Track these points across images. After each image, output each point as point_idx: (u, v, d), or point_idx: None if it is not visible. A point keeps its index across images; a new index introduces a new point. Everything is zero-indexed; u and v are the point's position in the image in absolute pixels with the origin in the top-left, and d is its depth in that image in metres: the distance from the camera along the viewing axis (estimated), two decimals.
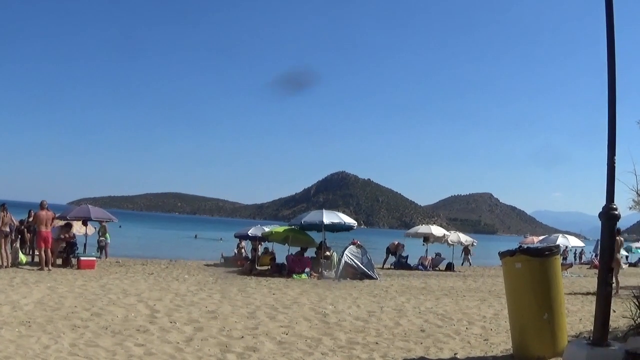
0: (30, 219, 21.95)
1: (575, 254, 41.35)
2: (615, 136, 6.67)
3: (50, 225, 18.18)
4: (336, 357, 7.98)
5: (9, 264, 17.98)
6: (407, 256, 31.34)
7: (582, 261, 41.92)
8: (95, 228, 24.97)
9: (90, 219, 21.79)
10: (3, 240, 18.27)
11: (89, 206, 22.41)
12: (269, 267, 23.00)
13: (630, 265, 41.86)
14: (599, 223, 6.70)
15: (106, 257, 23.61)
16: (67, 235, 19.95)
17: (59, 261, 18.40)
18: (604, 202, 6.70)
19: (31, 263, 18.50)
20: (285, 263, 21.65)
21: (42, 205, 18.00)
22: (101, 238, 24.61)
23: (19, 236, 20.70)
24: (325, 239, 21.99)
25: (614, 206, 6.66)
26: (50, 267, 17.42)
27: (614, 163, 6.66)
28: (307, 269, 20.65)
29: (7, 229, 18.45)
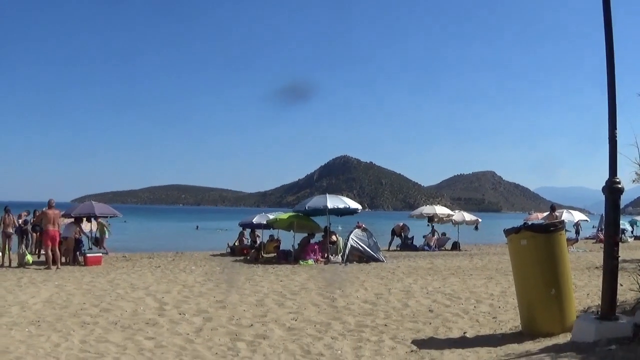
0: (35, 219, 22.00)
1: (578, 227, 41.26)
2: (616, 109, 6.63)
3: (58, 223, 18.20)
4: (346, 340, 8.01)
5: (10, 264, 18.05)
6: (413, 237, 31.35)
7: (587, 236, 41.85)
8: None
9: (94, 216, 21.78)
10: (7, 241, 18.46)
11: (93, 202, 22.36)
12: (275, 254, 23.03)
13: (636, 238, 41.80)
14: (602, 197, 6.68)
15: (100, 248, 23.53)
16: (77, 232, 19.97)
17: (63, 259, 18.37)
18: (607, 176, 6.68)
19: (38, 262, 18.50)
20: (292, 250, 21.67)
21: (49, 204, 18.02)
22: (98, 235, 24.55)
23: (24, 236, 20.73)
24: (330, 224, 21.98)
25: (617, 180, 6.63)
26: (59, 265, 17.45)
27: (616, 136, 6.62)
28: (313, 257, 20.64)
29: (10, 230, 18.56)
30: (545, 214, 33.54)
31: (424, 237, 31.55)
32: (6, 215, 18.66)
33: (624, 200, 7.46)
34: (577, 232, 40.72)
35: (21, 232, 20.75)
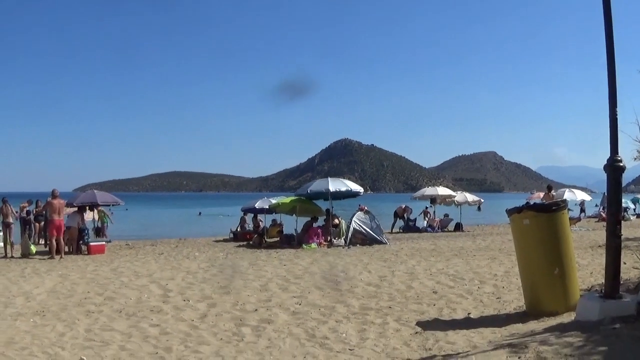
0: (38, 209, 22.05)
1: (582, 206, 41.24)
2: (616, 87, 6.59)
3: (62, 213, 18.21)
4: (350, 323, 8.02)
5: (13, 254, 18.09)
6: (415, 219, 31.37)
7: (590, 214, 41.86)
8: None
9: (97, 204, 21.77)
10: (7, 231, 18.53)
11: (95, 191, 22.36)
12: (278, 239, 23.07)
13: (639, 216, 41.79)
14: (604, 176, 6.65)
15: (103, 236, 23.54)
16: (80, 222, 19.97)
17: (66, 248, 18.40)
18: (608, 155, 6.64)
19: (41, 252, 18.52)
20: (294, 234, 21.70)
21: (53, 194, 18.01)
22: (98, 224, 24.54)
23: (27, 227, 20.76)
24: (332, 207, 21.98)
25: (619, 158, 6.60)
26: (62, 255, 17.47)
27: (616, 115, 6.59)
28: (317, 240, 20.66)
29: (9, 220, 18.61)
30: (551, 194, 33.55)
31: (423, 212, 31.59)
32: (4, 206, 18.71)
33: (626, 178, 7.44)
34: (583, 211, 40.75)
35: (24, 222, 20.78)
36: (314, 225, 21.71)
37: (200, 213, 68.55)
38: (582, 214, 40.09)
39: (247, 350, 6.82)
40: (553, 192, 24.37)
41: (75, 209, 20.01)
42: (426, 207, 32.24)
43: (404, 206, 31.73)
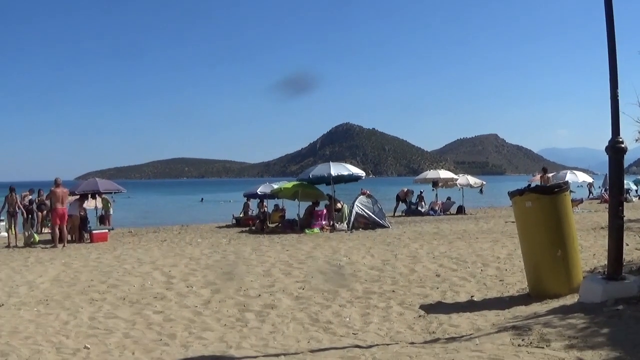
0: (41, 198, 22.05)
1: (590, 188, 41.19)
2: (617, 69, 6.56)
3: (66, 202, 18.21)
4: (354, 308, 8.03)
5: (17, 243, 18.12)
6: (417, 202, 31.34)
7: (592, 196, 41.79)
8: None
9: (99, 192, 21.78)
10: (12, 220, 18.55)
11: (97, 179, 22.36)
12: (280, 224, 23.07)
13: None
14: (606, 157, 6.62)
15: (107, 224, 23.60)
16: (82, 210, 19.99)
17: (69, 237, 18.42)
18: (609, 136, 6.62)
19: (44, 241, 18.55)
20: (297, 219, 21.71)
21: (56, 183, 17.98)
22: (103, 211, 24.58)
23: (29, 216, 20.79)
24: (334, 191, 21.96)
25: (620, 139, 6.57)
26: (65, 243, 17.49)
27: (618, 96, 6.55)
28: (323, 222, 20.67)
29: (15, 209, 18.64)
30: (550, 175, 33.53)
31: (417, 197, 31.57)
32: (10, 195, 18.72)
33: (628, 159, 7.41)
34: (591, 192, 40.71)
35: (26, 211, 20.80)
36: (316, 209, 21.72)
37: (202, 199, 68.62)
38: (590, 195, 40.07)
39: (251, 336, 6.84)
40: (548, 174, 24.40)
41: (77, 197, 20.02)
42: (421, 192, 32.15)
43: (406, 190, 31.70)
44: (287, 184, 24.03)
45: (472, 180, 34.04)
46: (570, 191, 8.71)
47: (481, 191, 36.83)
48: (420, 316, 7.34)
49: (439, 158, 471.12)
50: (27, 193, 22.33)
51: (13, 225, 18.69)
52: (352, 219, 20.24)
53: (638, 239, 10.70)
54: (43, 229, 21.79)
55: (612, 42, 6.56)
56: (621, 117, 6.68)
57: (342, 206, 21.81)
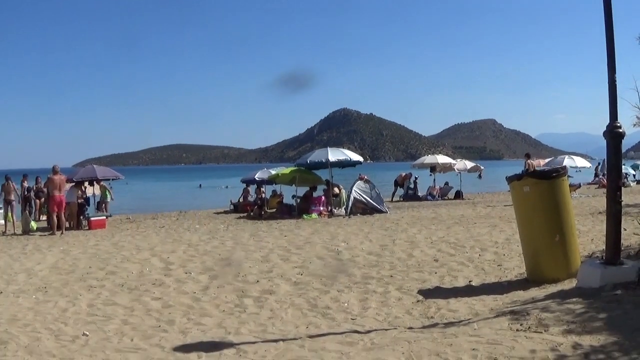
0: (38, 185, 22.03)
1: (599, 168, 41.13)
2: (615, 54, 6.54)
3: (64, 189, 18.17)
4: (352, 293, 8.04)
5: (15, 231, 18.12)
6: (415, 186, 31.32)
7: (590, 181, 41.80)
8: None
9: (97, 179, 21.74)
10: (9, 208, 18.56)
11: (95, 166, 22.34)
12: (277, 209, 23.08)
13: (639, 182, 41.69)
14: (604, 142, 6.62)
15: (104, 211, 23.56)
16: (80, 197, 19.96)
17: (66, 224, 18.39)
18: (607, 121, 6.61)
19: (42, 229, 18.53)
20: (295, 204, 21.72)
21: (54, 170, 17.91)
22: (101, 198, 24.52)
23: (27, 203, 20.77)
24: (332, 177, 21.95)
25: (618, 124, 6.57)
26: (63, 230, 17.47)
27: (615, 81, 6.54)
28: (321, 208, 20.68)
29: (11, 197, 18.65)
30: (548, 159, 33.58)
31: (428, 189, 31.55)
32: (6, 183, 18.70)
33: (625, 144, 7.41)
34: (597, 175, 40.72)
35: (24, 199, 20.79)
36: (314, 194, 21.72)
37: (200, 185, 68.57)
38: (596, 178, 40.07)
39: (249, 322, 6.85)
40: (531, 160, 24.47)
41: (73, 184, 19.97)
42: (415, 178, 32.10)
43: (404, 174, 31.68)
44: (285, 169, 23.99)
45: (469, 165, 34.05)
46: (568, 176, 8.69)
47: (480, 176, 36.83)
48: (418, 301, 7.35)
49: (436, 143, 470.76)
50: (23, 180, 22.31)
51: (10, 214, 18.70)
52: (350, 204, 20.24)
53: (636, 223, 10.68)
54: (41, 217, 21.79)
55: (610, 28, 6.54)
56: (619, 102, 6.68)
57: (340, 191, 21.81)
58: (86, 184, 21.36)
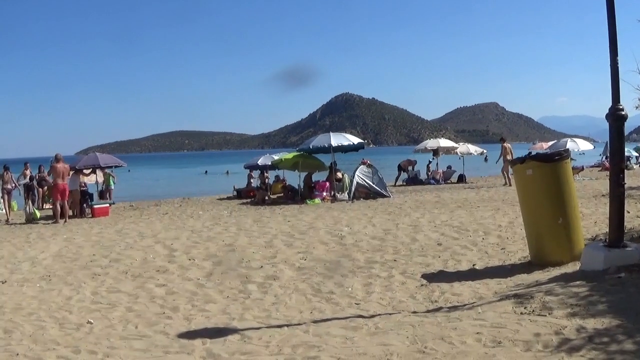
0: (41, 174, 22.04)
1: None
2: (616, 36, 6.50)
3: (67, 177, 18.16)
4: (356, 277, 8.05)
5: (17, 219, 18.16)
6: (418, 171, 31.28)
7: (593, 164, 41.69)
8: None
9: (99, 167, 21.72)
10: (7, 197, 18.64)
11: (97, 154, 22.28)
12: (282, 194, 23.09)
13: None
14: (606, 125, 6.59)
15: (108, 198, 23.57)
16: (83, 184, 19.96)
17: (70, 212, 18.39)
18: (610, 104, 6.58)
19: (45, 217, 18.54)
20: (298, 188, 21.73)
21: (57, 158, 17.88)
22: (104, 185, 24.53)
23: (30, 192, 20.80)
24: (334, 161, 21.93)
25: (620, 107, 6.54)
26: (66, 218, 17.47)
27: (617, 63, 6.50)
28: (324, 193, 20.67)
29: (9, 187, 18.73)
30: (550, 143, 33.49)
31: (430, 172, 31.48)
32: (5, 172, 18.74)
33: (628, 127, 7.39)
34: (607, 157, 40.58)
35: (27, 187, 20.81)
36: (313, 179, 21.75)
37: (206, 172, 68.51)
38: (602, 158, 39.94)
39: (253, 307, 6.86)
40: (506, 144, 24.53)
41: (73, 171, 19.94)
42: (413, 166, 32.03)
43: (409, 160, 31.63)
44: (288, 154, 23.96)
45: (472, 148, 33.96)
46: (571, 159, 8.67)
47: (486, 159, 36.81)
48: (422, 285, 7.35)
49: (439, 127, 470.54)
50: (25, 169, 22.33)
51: (9, 202, 18.81)
52: (353, 188, 20.21)
53: (639, 206, 10.67)
54: (44, 205, 21.81)
55: (612, 10, 6.49)
56: (621, 85, 6.65)
57: (342, 176, 21.79)
58: (89, 171, 21.32)
